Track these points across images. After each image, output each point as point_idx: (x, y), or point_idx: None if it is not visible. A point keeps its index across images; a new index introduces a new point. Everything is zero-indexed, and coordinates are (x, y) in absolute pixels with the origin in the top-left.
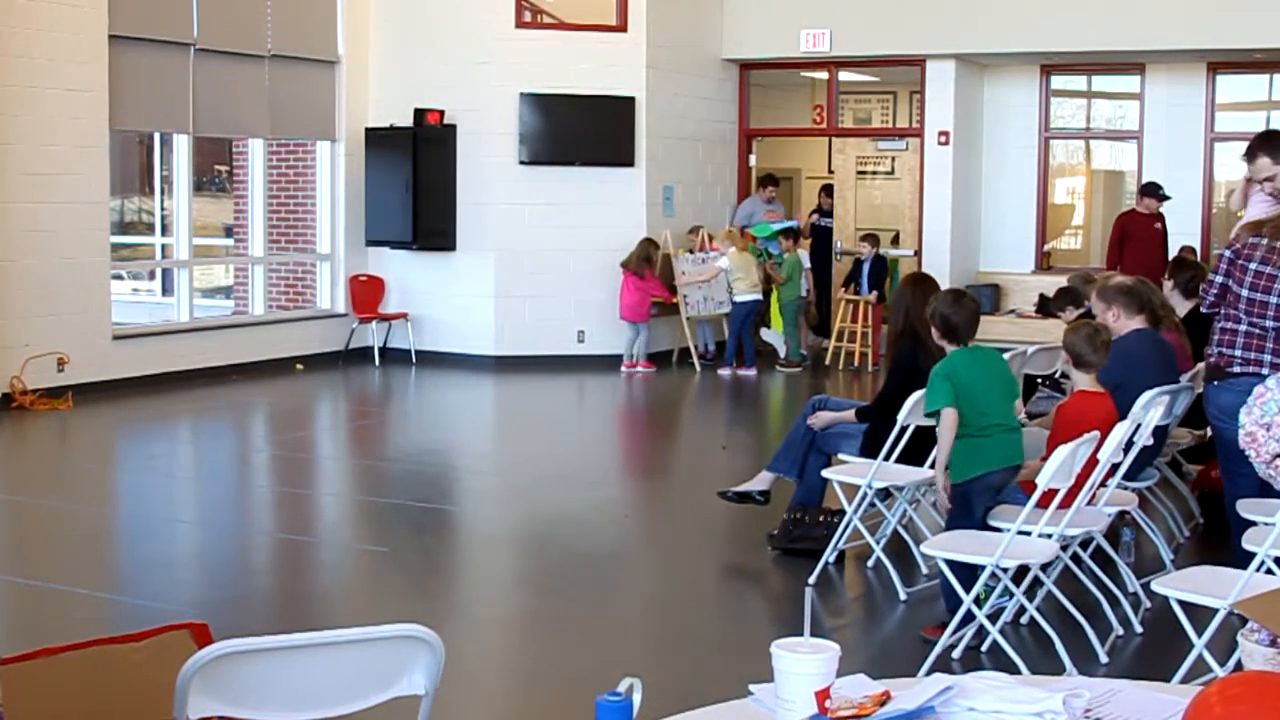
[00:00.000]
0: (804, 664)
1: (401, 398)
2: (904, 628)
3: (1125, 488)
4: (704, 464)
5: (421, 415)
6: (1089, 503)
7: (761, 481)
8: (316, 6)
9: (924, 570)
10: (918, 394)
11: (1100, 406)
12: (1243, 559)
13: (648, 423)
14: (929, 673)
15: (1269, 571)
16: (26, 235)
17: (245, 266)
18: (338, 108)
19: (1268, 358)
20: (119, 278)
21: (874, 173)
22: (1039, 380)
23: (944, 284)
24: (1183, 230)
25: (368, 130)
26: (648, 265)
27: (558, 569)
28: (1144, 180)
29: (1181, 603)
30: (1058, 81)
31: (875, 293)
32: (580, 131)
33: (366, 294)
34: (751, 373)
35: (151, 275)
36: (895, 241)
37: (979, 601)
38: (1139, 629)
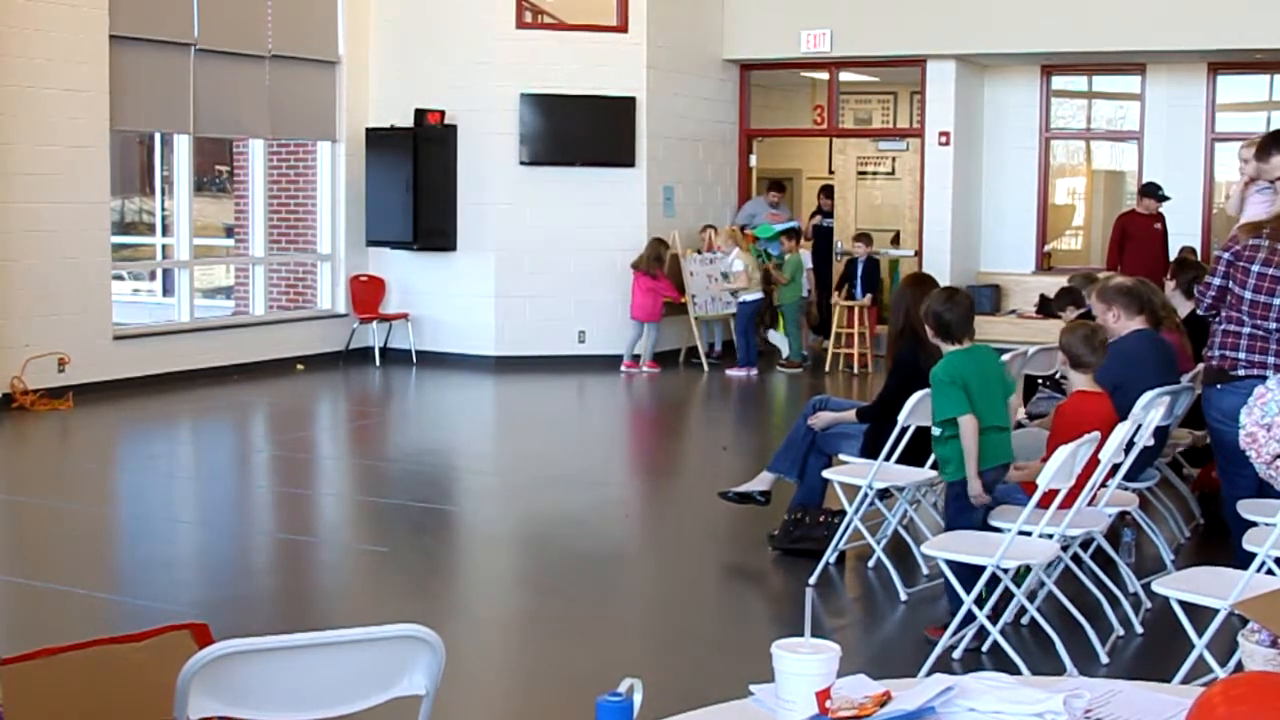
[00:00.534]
0: (804, 664)
1: (402, 398)
2: (904, 628)
3: (1126, 488)
4: (705, 464)
5: (422, 415)
6: (1090, 503)
7: (762, 482)
8: (317, 7)
9: (924, 571)
10: (918, 394)
11: (1099, 406)
12: (1243, 559)
13: (648, 423)
14: (929, 673)
15: (1269, 572)
16: (27, 235)
17: (246, 267)
18: (338, 108)
19: (1271, 360)
20: (120, 278)
21: (874, 173)
22: (1040, 380)
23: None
24: (1183, 230)
25: (368, 130)
26: (659, 265)
27: (558, 569)
28: (1144, 181)
29: (1182, 603)
30: (1058, 82)
31: (869, 295)
32: (581, 132)
33: (367, 294)
34: (753, 373)
35: (152, 275)
36: (896, 242)
37: (980, 601)
38: (1139, 629)
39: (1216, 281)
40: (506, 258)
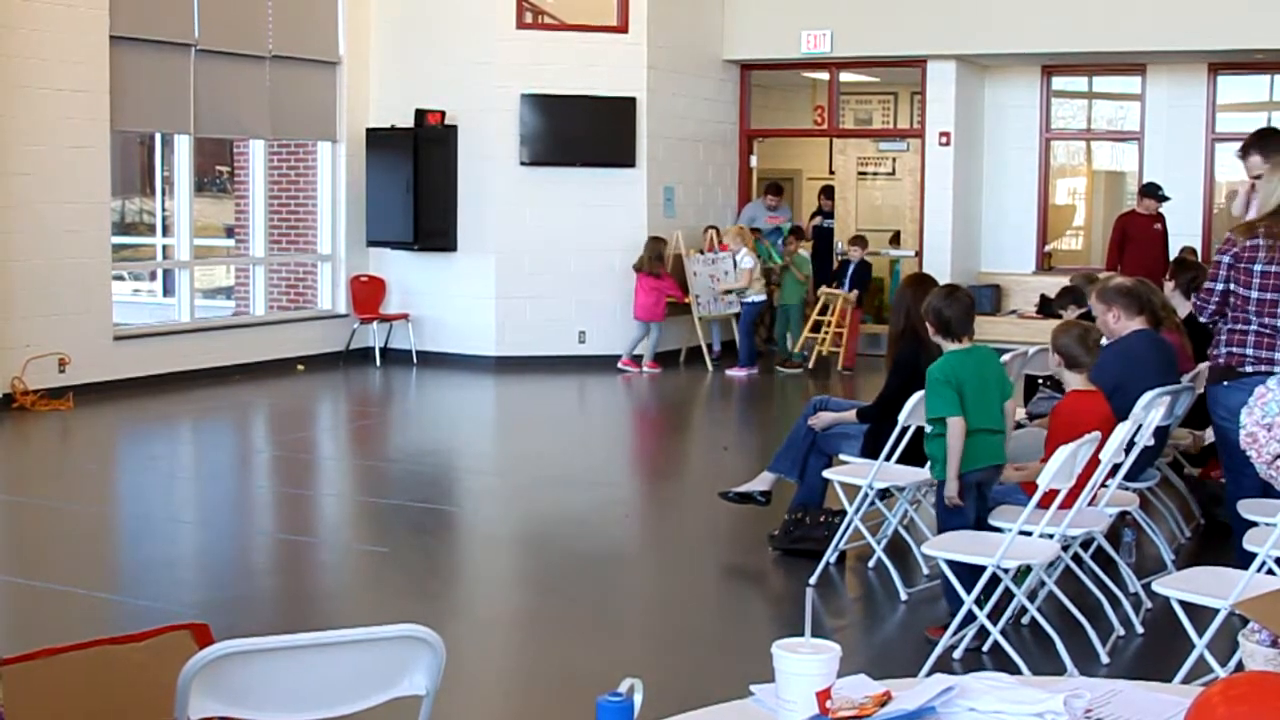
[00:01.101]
0: (805, 664)
1: (402, 398)
2: (905, 628)
3: (1126, 488)
4: (705, 464)
5: (422, 416)
6: (1090, 503)
7: (762, 482)
8: (317, 7)
9: (925, 571)
10: (919, 395)
11: (1096, 405)
12: (1244, 559)
13: (649, 423)
14: (930, 673)
15: (1270, 572)
16: (28, 236)
17: (246, 267)
18: (339, 108)
19: None
20: (120, 278)
21: (875, 173)
22: (1040, 381)
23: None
24: (1183, 231)
25: (368, 131)
26: (661, 264)
27: (558, 569)
28: (1145, 181)
29: (1182, 603)
30: (1058, 82)
31: (855, 291)
32: (581, 132)
33: (367, 294)
34: (753, 373)
35: (152, 276)
36: (896, 242)
37: (980, 602)
38: (1140, 629)
39: (1219, 287)
40: (507, 258)
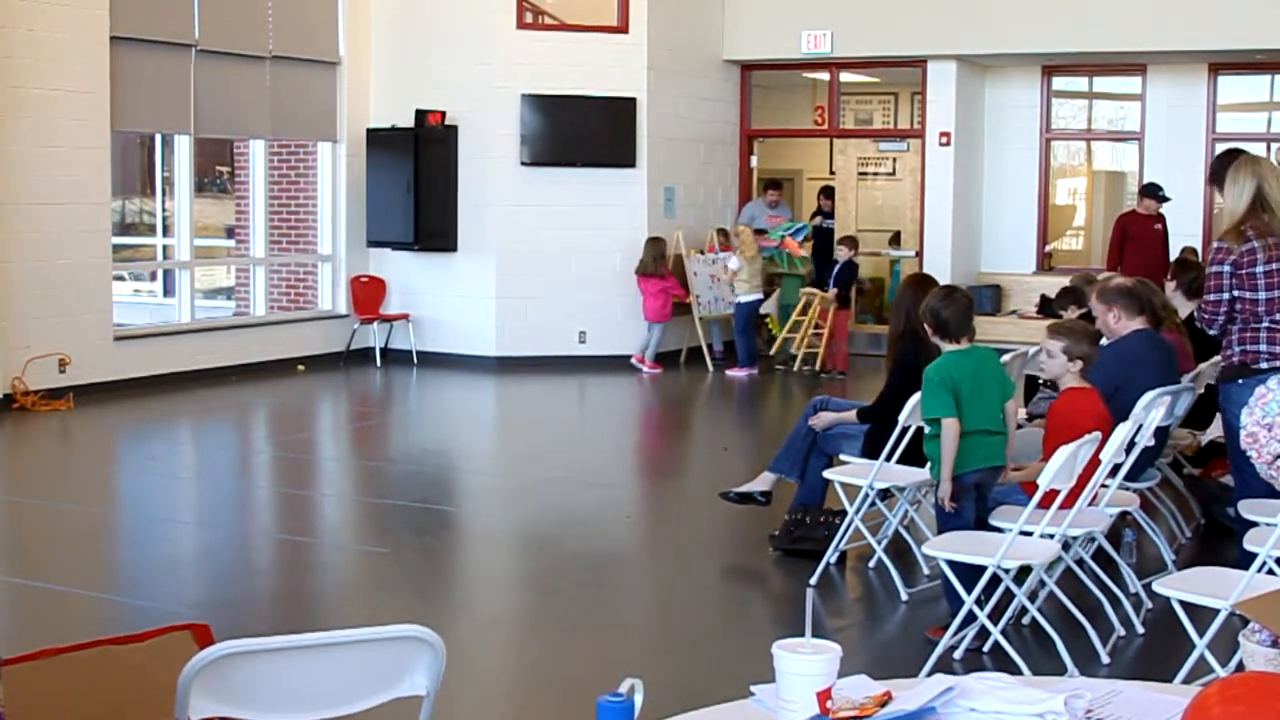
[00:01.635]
0: (805, 665)
1: (403, 399)
2: (905, 628)
3: (1127, 488)
4: (705, 465)
5: (423, 416)
6: (1090, 503)
7: (763, 482)
8: (318, 7)
9: (925, 571)
10: (919, 395)
11: (1092, 402)
12: (1244, 559)
13: (649, 423)
14: (930, 673)
15: (1270, 572)
16: (28, 236)
17: (246, 267)
18: (339, 109)
19: None
20: (120, 279)
21: (875, 174)
22: (1040, 381)
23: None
24: (1184, 231)
25: (369, 131)
26: (664, 263)
27: (559, 570)
28: (1145, 181)
29: (1183, 603)
30: (1059, 82)
31: (835, 290)
32: (581, 132)
33: (368, 295)
34: (753, 373)
35: (153, 276)
36: (896, 242)
37: (981, 603)
38: (1140, 630)
39: (1225, 297)
40: (507, 258)
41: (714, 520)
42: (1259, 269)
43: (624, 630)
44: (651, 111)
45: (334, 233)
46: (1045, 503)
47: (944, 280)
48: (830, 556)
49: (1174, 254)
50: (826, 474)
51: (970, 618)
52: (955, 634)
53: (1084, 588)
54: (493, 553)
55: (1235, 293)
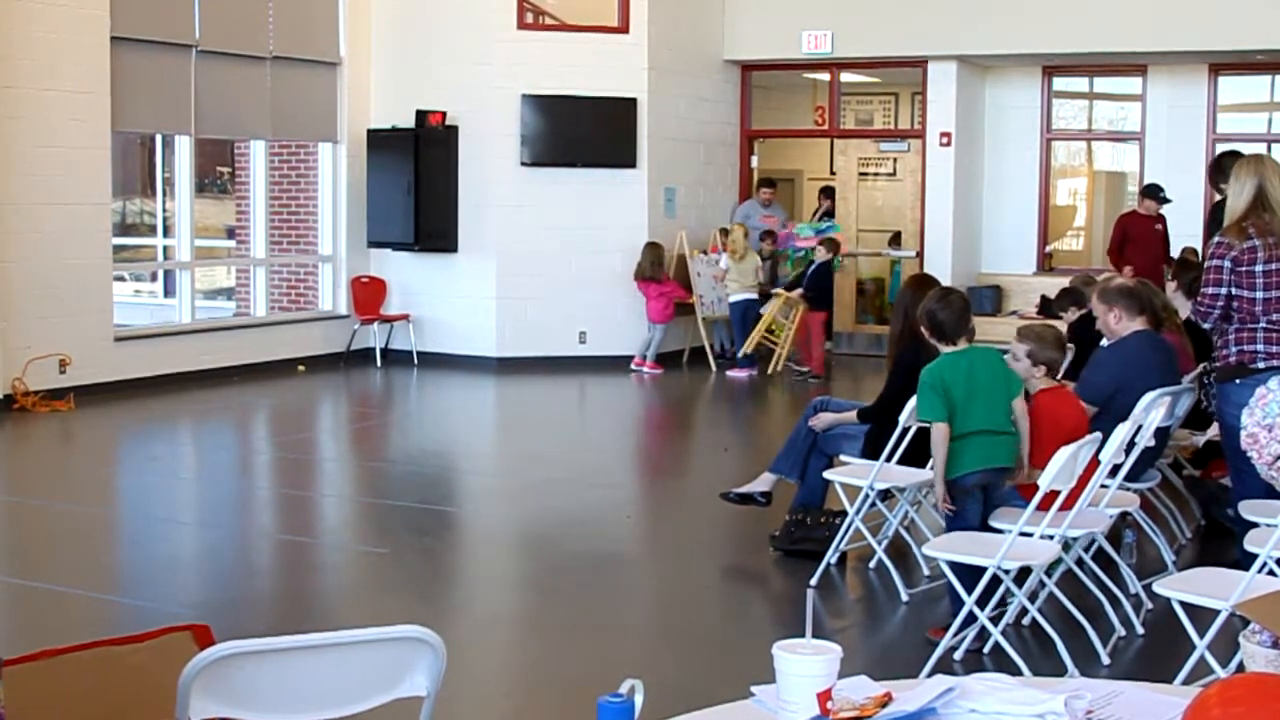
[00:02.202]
0: (806, 665)
1: (403, 399)
2: (906, 629)
3: (1127, 489)
4: (706, 465)
5: (423, 417)
6: (1090, 504)
7: (763, 483)
8: (318, 8)
9: (925, 571)
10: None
11: (1071, 400)
12: (1245, 560)
13: (649, 424)
14: (931, 674)
15: (1270, 573)
16: (28, 237)
17: (247, 268)
18: (339, 109)
19: None
20: (121, 279)
21: (876, 174)
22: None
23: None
24: (1184, 231)
25: (369, 132)
26: (661, 268)
27: (559, 570)
28: (1146, 182)
29: (1183, 604)
30: (1059, 83)
31: (799, 290)
32: (582, 133)
33: (368, 295)
34: (753, 374)
35: (153, 277)
36: (896, 243)
37: (982, 602)
38: (1141, 630)
39: (1221, 292)
40: (507, 259)
41: (714, 520)
42: (1258, 268)
43: (624, 630)
44: (652, 112)
45: (334, 233)
46: (1045, 504)
47: (945, 281)
48: (831, 557)
49: (1174, 254)
50: (827, 474)
51: (971, 618)
52: (956, 634)
53: (1084, 588)
54: (493, 553)
55: (1233, 290)
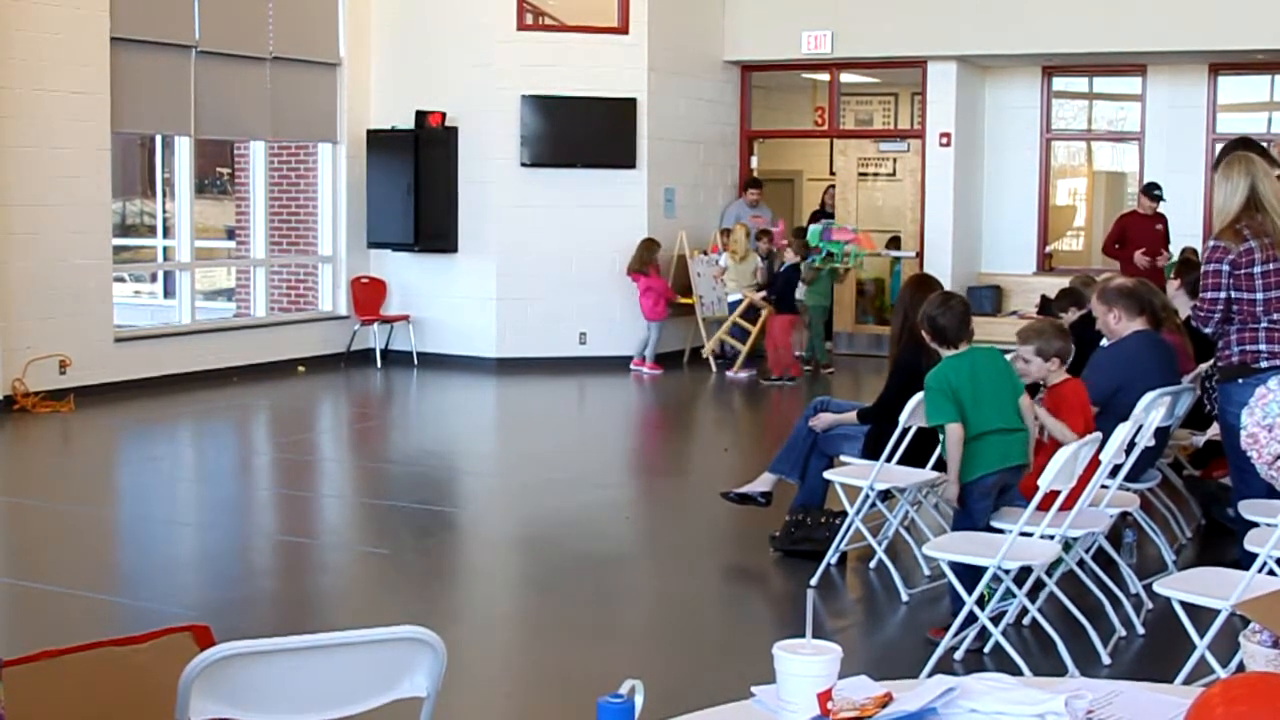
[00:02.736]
0: (806, 665)
1: (403, 400)
2: (906, 629)
3: (1127, 489)
4: (706, 465)
5: (423, 417)
6: (1091, 504)
7: (763, 483)
8: (318, 9)
9: (926, 572)
10: (919, 396)
11: (1077, 385)
12: (1245, 560)
13: (650, 424)
14: (931, 674)
15: (1271, 573)
16: (28, 237)
17: (247, 269)
18: (339, 110)
19: None
20: (121, 280)
21: (876, 174)
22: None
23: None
24: (1185, 231)
25: (369, 132)
26: (650, 264)
27: (559, 571)
28: (1145, 181)
29: (1184, 604)
30: (1059, 83)
31: (764, 292)
32: (582, 133)
33: (368, 296)
34: (753, 374)
35: (153, 277)
36: (896, 244)
37: (981, 603)
38: (1141, 630)
39: (1221, 295)
40: (508, 260)
41: (714, 521)
42: (1256, 269)
43: (624, 631)
44: (652, 112)
45: (334, 234)
46: (1045, 504)
47: (945, 281)
48: (831, 557)
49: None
50: (827, 475)
51: (971, 618)
52: (956, 634)
53: (1085, 588)
54: (493, 553)
55: (1233, 293)
